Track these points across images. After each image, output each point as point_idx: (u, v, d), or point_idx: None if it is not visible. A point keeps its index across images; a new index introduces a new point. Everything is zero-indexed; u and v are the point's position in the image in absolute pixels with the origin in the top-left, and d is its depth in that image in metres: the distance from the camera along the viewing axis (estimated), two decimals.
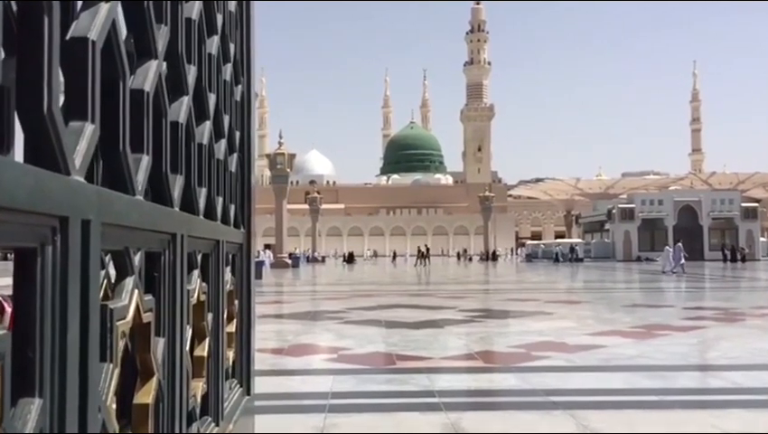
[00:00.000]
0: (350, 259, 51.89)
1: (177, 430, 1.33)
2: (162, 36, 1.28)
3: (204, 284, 1.73)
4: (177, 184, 1.41)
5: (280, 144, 38.39)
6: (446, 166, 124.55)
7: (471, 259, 59.08)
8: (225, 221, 2.08)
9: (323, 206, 59.57)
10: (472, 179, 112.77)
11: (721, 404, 4.50)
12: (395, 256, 65.24)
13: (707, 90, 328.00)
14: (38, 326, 0.72)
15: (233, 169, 2.30)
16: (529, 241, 76.64)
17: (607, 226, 54.08)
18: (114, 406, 0.94)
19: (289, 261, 38.34)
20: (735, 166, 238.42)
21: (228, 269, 2.13)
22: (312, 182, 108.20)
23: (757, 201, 64.37)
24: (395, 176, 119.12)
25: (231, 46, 2.24)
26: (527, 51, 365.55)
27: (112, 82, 0.98)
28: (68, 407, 0.76)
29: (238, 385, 2.36)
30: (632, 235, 50.91)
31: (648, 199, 53.66)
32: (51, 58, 0.74)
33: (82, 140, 0.84)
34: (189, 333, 1.51)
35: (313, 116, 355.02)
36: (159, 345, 1.23)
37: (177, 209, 1.39)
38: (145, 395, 1.15)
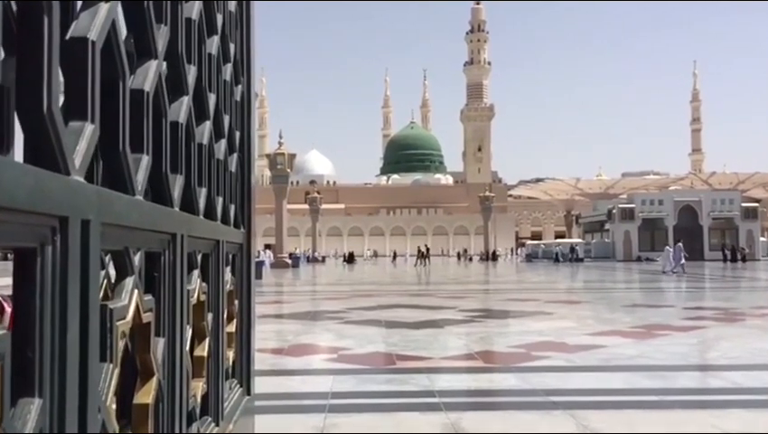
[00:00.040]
0: (350, 259, 51.89)
1: (177, 430, 1.33)
2: (162, 36, 1.28)
3: (204, 284, 1.73)
4: (177, 184, 1.41)
5: (280, 144, 38.39)
6: (446, 166, 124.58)
7: (471, 259, 59.08)
8: (225, 221, 2.08)
9: (323, 206, 59.59)
10: (472, 179, 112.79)
11: (721, 404, 4.50)
12: (395, 256, 65.25)
13: (707, 90, 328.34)
14: (38, 326, 0.72)
15: (233, 169, 2.30)
16: (529, 241, 76.63)
17: (607, 226, 54.07)
18: (114, 406, 0.94)
19: (289, 261, 38.34)
20: (735, 166, 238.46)
21: (228, 269, 2.13)
22: (312, 182, 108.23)
23: (757, 201, 64.38)
24: (395, 176, 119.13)
25: (231, 46, 2.24)
26: (527, 51, 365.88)
27: (112, 82, 0.98)
28: (68, 407, 0.76)
29: (238, 385, 2.36)
30: (633, 235, 50.91)
31: (648, 199, 53.66)
32: (50, 58, 0.74)
33: (82, 140, 0.84)
34: (189, 333, 1.51)
35: (313, 116, 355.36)
36: (159, 345, 1.23)
37: (177, 209, 1.39)
38: (145, 395, 1.15)
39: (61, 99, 0.82)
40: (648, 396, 4.79)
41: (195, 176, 1.59)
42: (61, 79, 0.81)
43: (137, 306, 1.06)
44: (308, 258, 51.55)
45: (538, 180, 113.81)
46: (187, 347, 1.47)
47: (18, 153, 0.81)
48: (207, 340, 1.74)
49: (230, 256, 2.24)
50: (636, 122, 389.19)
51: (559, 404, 4.39)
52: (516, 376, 5.42)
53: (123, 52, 1.00)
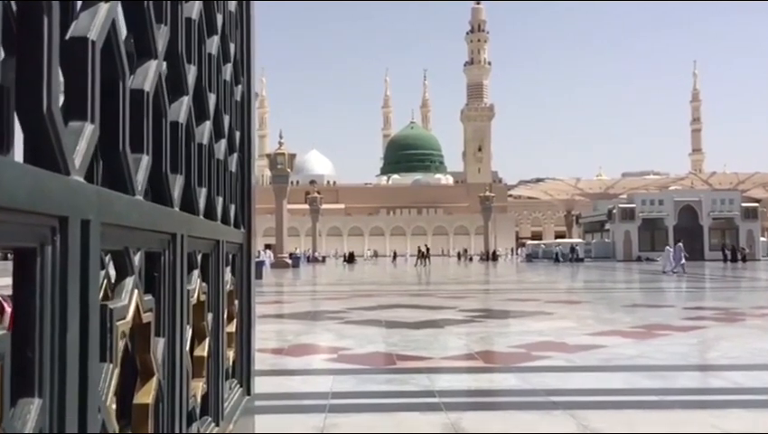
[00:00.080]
0: (350, 259, 51.89)
1: (177, 430, 1.33)
2: (162, 36, 1.28)
3: (204, 284, 1.73)
4: (177, 184, 1.41)
5: (280, 144, 38.39)
6: (447, 166, 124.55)
7: (471, 259, 59.08)
8: (225, 221, 2.08)
9: (324, 206, 59.60)
10: (472, 179, 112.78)
11: (721, 404, 4.50)
12: (395, 256, 65.25)
13: (707, 90, 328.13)
14: (38, 326, 0.72)
15: (233, 169, 2.30)
16: (529, 241, 76.62)
17: (607, 226, 54.06)
18: (114, 406, 0.94)
19: (289, 261, 38.34)
20: (735, 166, 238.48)
21: (228, 269, 2.13)
22: (312, 182, 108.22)
23: (757, 201, 64.36)
24: (395, 176, 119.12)
25: (231, 46, 2.24)
26: (527, 51, 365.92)
27: (112, 82, 0.98)
28: (67, 407, 0.76)
29: (239, 385, 2.36)
30: (633, 235, 50.91)
31: (648, 199, 53.65)
32: (50, 58, 0.74)
33: (82, 140, 0.84)
34: (189, 333, 1.51)
35: (313, 116, 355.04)
36: (159, 345, 1.23)
37: (177, 209, 1.39)
38: (145, 395, 1.15)
39: (61, 99, 0.82)
40: (648, 396, 4.79)
41: (195, 176, 1.59)
42: (61, 79, 0.81)
43: (137, 306, 1.06)
44: (308, 258, 51.55)
45: (538, 180, 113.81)
46: (187, 347, 1.47)
47: (18, 153, 0.81)
48: (207, 340, 1.74)
49: (230, 256, 2.24)
50: (636, 122, 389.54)
51: (559, 404, 4.39)
52: (516, 376, 5.42)
53: (123, 52, 1.00)
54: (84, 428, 0.81)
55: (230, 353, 2.21)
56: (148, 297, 1.17)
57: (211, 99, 1.83)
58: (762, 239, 53.25)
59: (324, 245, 77.34)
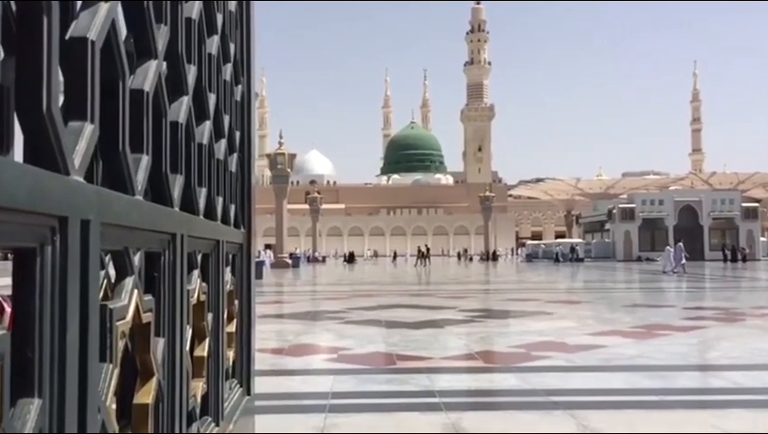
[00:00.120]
0: (350, 259, 51.89)
1: (177, 430, 1.33)
2: (162, 36, 1.27)
3: (204, 284, 1.73)
4: (177, 184, 1.41)
5: (280, 144, 38.39)
6: (447, 166, 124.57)
7: (471, 259, 59.08)
8: (225, 221, 2.08)
9: (324, 206, 59.61)
10: (472, 179, 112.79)
11: (721, 404, 4.50)
12: (395, 256, 65.27)
13: (707, 90, 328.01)
14: (37, 326, 0.72)
15: (233, 169, 2.30)
16: (529, 241, 76.64)
17: (608, 226, 54.06)
18: (114, 406, 0.94)
19: (289, 261, 38.34)
20: (735, 166, 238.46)
21: (228, 269, 2.13)
22: (312, 182, 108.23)
23: (757, 201, 64.36)
24: (395, 176, 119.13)
25: (231, 46, 2.24)
26: (527, 51, 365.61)
27: (112, 82, 0.98)
28: (67, 407, 0.76)
29: (239, 385, 2.36)
30: (633, 235, 50.91)
31: (648, 199, 53.66)
32: (50, 58, 0.74)
33: (82, 140, 0.84)
34: (189, 333, 1.51)
35: (313, 116, 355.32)
36: (159, 345, 1.23)
37: (177, 209, 1.39)
38: (145, 395, 1.14)
39: (61, 99, 0.82)
40: (648, 396, 4.78)
41: (195, 176, 1.59)
42: (61, 79, 0.81)
43: (137, 306, 1.06)
44: (308, 258, 51.56)
45: (539, 180, 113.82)
46: (187, 347, 1.47)
47: (18, 153, 0.81)
48: (207, 340, 1.73)
49: (230, 256, 2.24)
50: (636, 122, 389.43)
51: (559, 404, 4.39)
52: (516, 376, 5.42)
53: (123, 52, 1.00)
54: (84, 428, 0.81)
55: (230, 353, 2.21)
56: (148, 297, 1.17)
57: (211, 98, 1.83)
58: (762, 239, 53.26)
59: (324, 245, 77.34)
